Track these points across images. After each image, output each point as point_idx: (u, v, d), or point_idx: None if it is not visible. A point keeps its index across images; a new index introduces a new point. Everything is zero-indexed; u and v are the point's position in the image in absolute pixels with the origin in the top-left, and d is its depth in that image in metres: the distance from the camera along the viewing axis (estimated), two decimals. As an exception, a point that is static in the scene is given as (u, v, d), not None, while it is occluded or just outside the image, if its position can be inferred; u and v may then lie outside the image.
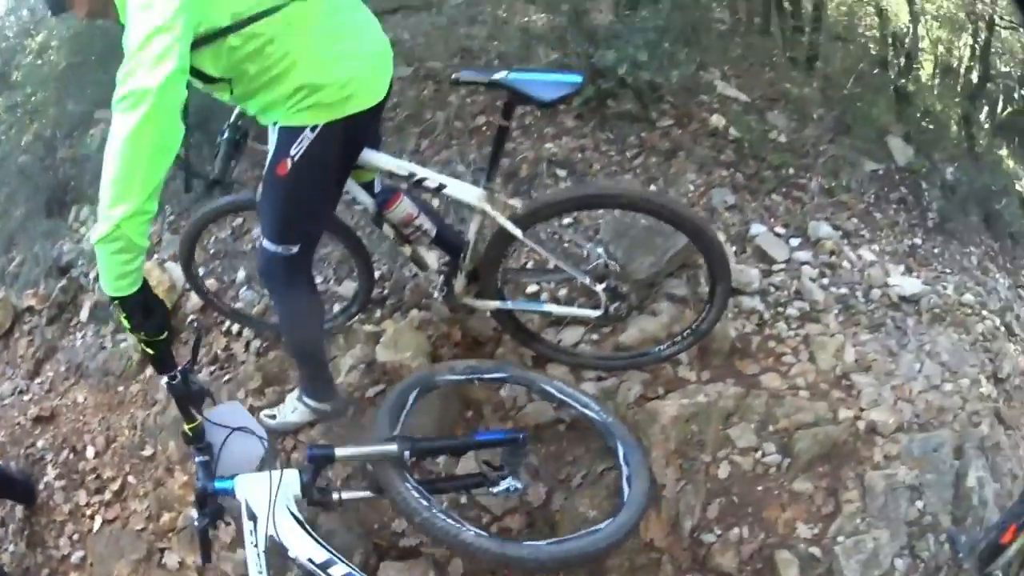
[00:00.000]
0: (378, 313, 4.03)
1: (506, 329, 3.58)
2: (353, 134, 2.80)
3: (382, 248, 3.85)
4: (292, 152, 2.67)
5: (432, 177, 3.12)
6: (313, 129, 2.65)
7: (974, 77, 6.46)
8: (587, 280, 3.28)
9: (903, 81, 6.00)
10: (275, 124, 2.76)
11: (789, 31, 6.04)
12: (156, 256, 4.90)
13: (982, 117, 6.86)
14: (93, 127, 6.34)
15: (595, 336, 3.71)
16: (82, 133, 6.64)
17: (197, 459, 2.73)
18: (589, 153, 4.59)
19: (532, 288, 3.87)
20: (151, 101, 2.12)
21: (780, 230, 4.34)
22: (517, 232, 3.09)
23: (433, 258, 3.43)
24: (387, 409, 2.97)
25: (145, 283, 2.40)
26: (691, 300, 3.69)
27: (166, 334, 2.49)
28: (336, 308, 4.03)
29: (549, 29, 4.90)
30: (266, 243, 2.93)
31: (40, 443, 4.48)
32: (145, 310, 2.40)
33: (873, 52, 6.26)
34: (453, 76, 3.23)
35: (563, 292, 3.81)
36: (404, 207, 3.28)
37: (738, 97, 5.14)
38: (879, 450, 3.16)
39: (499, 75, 2.92)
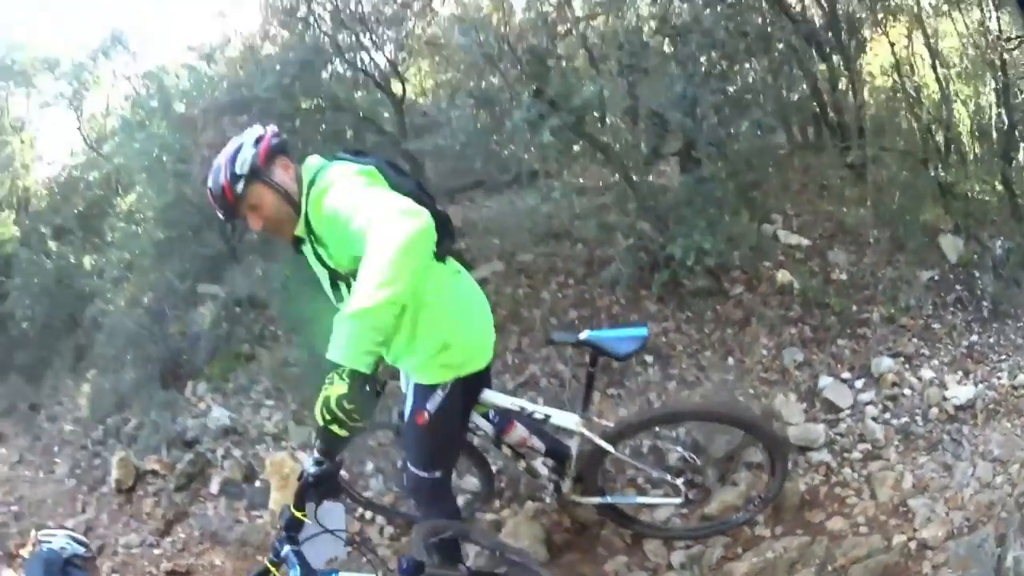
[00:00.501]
0: (497, 503, 4.87)
1: (608, 516, 4.46)
2: (474, 385, 3.69)
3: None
4: (428, 407, 3.50)
5: (539, 410, 3.99)
6: (443, 388, 3.49)
7: (1005, 125, 6.89)
8: (667, 477, 4.22)
9: (943, 175, 6.62)
10: (409, 379, 3.61)
11: (839, 149, 6.74)
12: (285, 444, 5.77)
13: (1021, 158, 7.23)
14: (201, 305, 7.27)
15: (684, 510, 4.55)
16: (187, 307, 7.62)
17: (288, 548, 2.95)
18: (672, 335, 5.47)
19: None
20: (425, 219, 2.61)
21: (846, 375, 5.17)
22: (610, 448, 4.00)
23: (542, 467, 4.28)
24: (422, 538, 3.63)
25: None
26: (767, 465, 4.46)
27: (365, 424, 2.72)
28: (460, 500, 4.77)
29: (622, 214, 5.71)
30: (413, 469, 3.74)
31: (177, 594, 5.13)
32: (368, 395, 2.66)
33: (913, 148, 6.73)
34: (548, 337, 4.20)
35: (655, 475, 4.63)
36: (519, 432, 4.17)
37: (800, 243, 5.97)
38: (927, 563, 3.83)
39: (583, 335, 3.87)
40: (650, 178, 5.93)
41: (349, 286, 3.05)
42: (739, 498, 4.50)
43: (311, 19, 7.98)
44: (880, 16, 6.91)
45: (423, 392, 3.50)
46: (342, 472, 5.04)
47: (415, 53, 8.71)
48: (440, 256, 3.34)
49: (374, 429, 5.00)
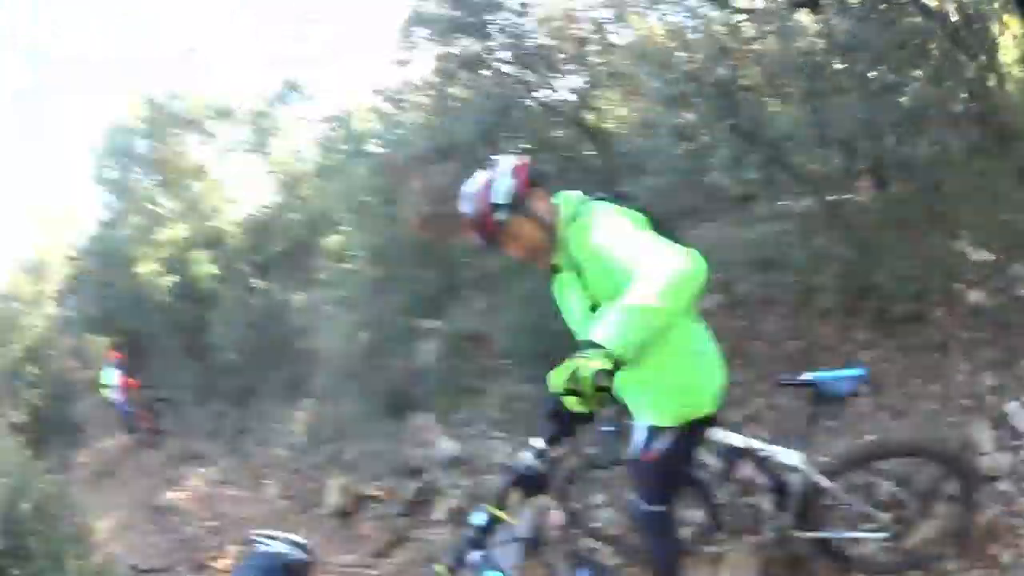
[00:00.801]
0: (719, 537, 5.10)
1: (819, 550, 4.79)
2: (701, 427, 4.01)
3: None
4: (657, 445, 3.76)
5: (765, 448, 4.42)
6: (673, 430, 3.74)
7: None
8: (876, 512, 4.58)
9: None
10: (641, 417, 3.92)
11: (1005, 152, 6.59)
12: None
13: None
14: (421, 340, 7.81)
15: (889, 544, 4.78)
16: (407, 342, 8.16)
17: (478, 554, 2.95)
18: (882, 364, 5.73)
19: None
20: (704, 265, 2.78)
21: (1032, 398, 5.29)
22: (829, 484, 4.41)
23: (766, 503, 4.67)
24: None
25: None
26: (962, 498, 4.66)
27: (602, 408, 2.70)
28: (684, 533, 5.17)
29: (826, 240, 6.02)
30: (641, 504, 4.16)
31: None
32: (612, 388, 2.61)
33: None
34: (778, 380, 4.81)
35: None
36: (746, 469, 4.58)
37: (987, 260, 6.09)
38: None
39: (806, 377, 4.36)
40: (847, 196, 6.19)
41: None
42: (937, 531, 4.74)
43: (494, 63, 8.33)
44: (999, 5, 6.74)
45: (653, 432, 3.79)
46: (573, 503, 5.49)
47: (601, 86, 8.94)
48: None
49: (608, 462, 5.27)
